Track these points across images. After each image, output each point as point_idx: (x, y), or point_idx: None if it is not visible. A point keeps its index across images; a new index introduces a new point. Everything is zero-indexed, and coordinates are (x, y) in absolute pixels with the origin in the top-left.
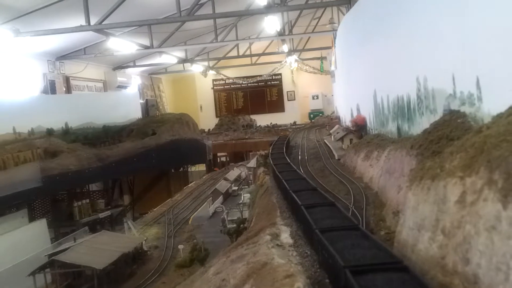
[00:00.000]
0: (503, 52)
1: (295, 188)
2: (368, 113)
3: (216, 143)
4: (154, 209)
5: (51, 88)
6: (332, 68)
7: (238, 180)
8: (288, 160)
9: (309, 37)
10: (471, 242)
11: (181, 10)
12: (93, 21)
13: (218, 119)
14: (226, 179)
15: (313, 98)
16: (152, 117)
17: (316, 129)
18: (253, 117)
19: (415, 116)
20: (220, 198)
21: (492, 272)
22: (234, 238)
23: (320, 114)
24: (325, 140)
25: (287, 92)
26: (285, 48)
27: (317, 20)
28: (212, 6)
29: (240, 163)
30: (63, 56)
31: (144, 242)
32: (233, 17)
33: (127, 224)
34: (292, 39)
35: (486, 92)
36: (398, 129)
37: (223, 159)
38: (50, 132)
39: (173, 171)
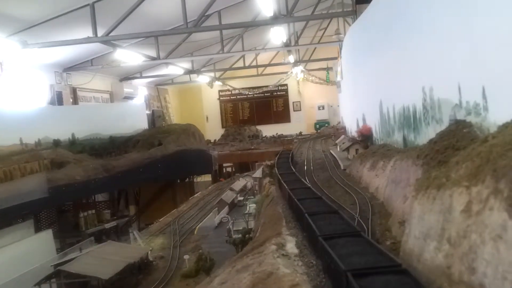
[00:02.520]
0: (509, 61)
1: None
2: (374, 123)
3: (222, 153)
4: (160, 220)
5: (58, 99)
6: (338, 78)
7: (243, 190)
8: (297, 174)
9: (315, 48)
10: (477, 251)
11: (188, 21)
12: (100, 32)
13: (224, 129)
14: (231, 190)
15: (319, 108)
16: (158, 128)
17: (322, 140)
18: (259, 127)
19: (421, 126)
20: (226, 208)
21: (498, 281)
22: (239, 248)
23: (326, 125)
24: (331, 151)
25: (293, 102)
26: (291, 58)
27: (323, 30)
28: (218, 17)
29: (245, 174)
30: (70, 68)
31: (149, 252)
32: (239, 28)
33: (132, 235)
34: (298, 49)
35: (492, 102)
36: (404, 139)
37: (229, 169)
38: (56, 143)
39: (179, 181)
